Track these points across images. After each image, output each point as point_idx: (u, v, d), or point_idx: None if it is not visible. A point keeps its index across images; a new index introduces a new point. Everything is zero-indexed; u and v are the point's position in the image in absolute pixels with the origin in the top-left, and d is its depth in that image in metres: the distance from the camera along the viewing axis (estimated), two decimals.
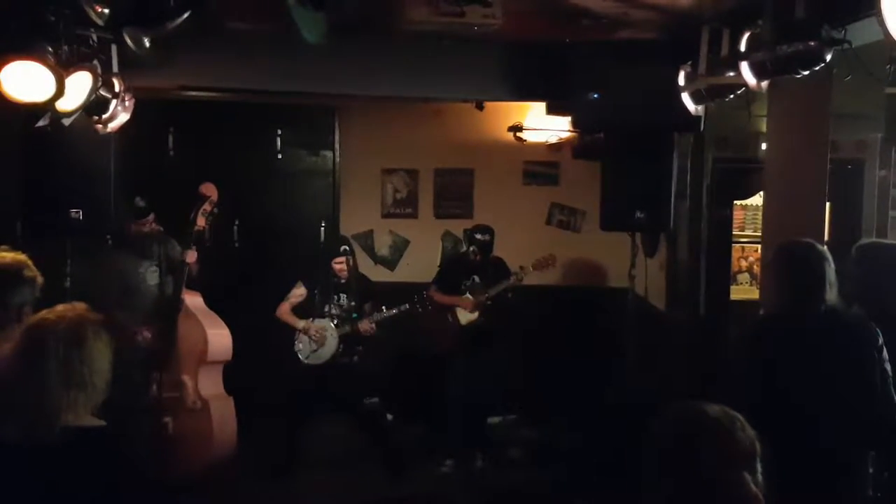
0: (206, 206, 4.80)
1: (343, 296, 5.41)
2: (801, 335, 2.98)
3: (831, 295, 3.00)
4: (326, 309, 5.39)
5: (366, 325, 5.32)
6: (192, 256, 4.74)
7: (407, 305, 5.36)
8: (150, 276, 4.84)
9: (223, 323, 4.91)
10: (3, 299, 2.55)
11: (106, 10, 2.93)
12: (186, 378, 4.69)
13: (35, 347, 2.06)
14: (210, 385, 4.82)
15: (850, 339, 2.94)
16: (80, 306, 2.17)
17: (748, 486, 1.63)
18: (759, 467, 1.67)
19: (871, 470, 2.95)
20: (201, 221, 4.78)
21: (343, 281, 5.38)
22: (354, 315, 5.34)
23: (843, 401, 2.86)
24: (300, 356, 5.36)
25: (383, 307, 5.36)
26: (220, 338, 4.85)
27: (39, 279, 2.70)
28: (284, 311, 5.42)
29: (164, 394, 4.56)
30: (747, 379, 3.05)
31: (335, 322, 5.36)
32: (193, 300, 4.85)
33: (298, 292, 5.45)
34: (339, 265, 5.34)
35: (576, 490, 5.04)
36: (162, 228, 4.92)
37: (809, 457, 2.72)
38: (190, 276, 4.79)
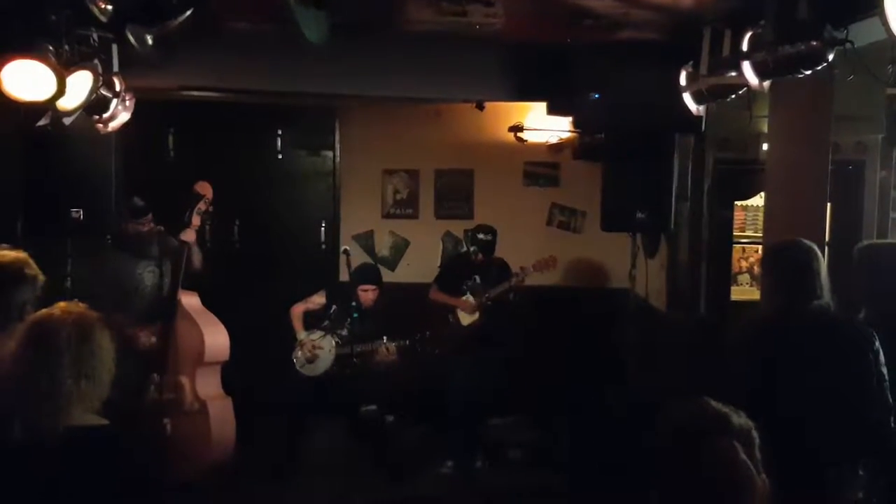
0: (202, 205, 4.78)
1: (359, 322, 5.34)
2: (792, 335, 2.98)
3: (823, 291, 2.99)
4: (338, 327, 5.34)
5: (389, 353, 5.22)
6: (190, 235, 4.69)
7: (407, 342, 5.30)
8: (148, 276, 4.83)
9: (220, 322, 4.89)
10: (4, 298, 2.55)
11: (109, 7, 2.92)
12: (184, 379, 4.68)
13: (44, 341, 2.09)
14: (208, 386, 4.80)
15: (842, 340, 2.93)
16: (80, 305, 2.20)
17: (737, 452, 1.65)
18: (757, 454, 1.70)
19: (861, 473, 2.93)
20: (196, 220, 4.76)
21: (364, 309, 5.33)
22: (358, 348, 5.26)
23: (835, 402, 2.85)
24: (296, 364, 5.34)
25: (384, 337, 5.29)
26: (217, 338, 4.83)
27: (41, 278, 2.70)
28: (297, 313, 5.40)
29: (162, 395, 4.55)
30: (740, 378, 3.05)
31: (336, 341, 5.32)
32: (190, 300, 4.83)
33: (317, 300, 5.43)
34: (367, 293, 5.30)
35: (576, 491, 5.03)
36: (161, 227, 4.92)
37: (798, 456, 2.71)
38: (192, 275, 4.78)
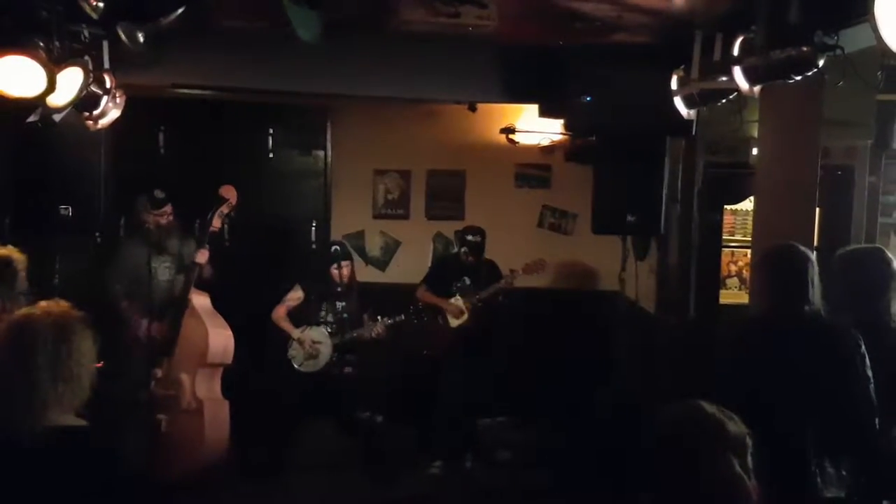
0: (224, 208, 4.84)
1: (340, 303, 5.36)
2: (781, 337, 3.00)
3: (815, 296, 3.01)
4: (322, 316, 5.35)
5: (379, 329, 5.26)
6: (203, 256, 4.75)
7: (402, 316, 5.32)
8: (163, 270, 4.85)
9: (227, 326, 4.88)
10: None
11: (101, 4, 2.91)
12: (184, 377, 4.68)
13: (22, 341, 2.05)
14: (206, 387, 4.80)
15: (830, 343, 2.96)
16: (63, 303, 2.16)
17: (733, 468, 1.66)
18: (749, 461, 1.71)
19: (843, 472, 2.95)
20: (217, 223, 4.82)
21: (340, 289, 5.34)
22: (352, 334, 5.29)
23: (821, 403, 2.88)
24: (294, 363, 5.32)
25: (378, 316, 5.31)
26: (221, 340, 4.83)
27: (19, 274, 2.68)
28: (280, 315, 5.38)
29: (160, 391, 4.55)
30: (729, 379, 3.06)
31: (329, 330, 5.32)
32: (201, 300, 4.84)
33: (295, 296, 5.41)
34: (343, 270, 5.30)
35: (565, 492, 5.04)
36: (173, 220, 4.92)
37: (783, 455, 2.73)
38: (200, 276, 4.79)
